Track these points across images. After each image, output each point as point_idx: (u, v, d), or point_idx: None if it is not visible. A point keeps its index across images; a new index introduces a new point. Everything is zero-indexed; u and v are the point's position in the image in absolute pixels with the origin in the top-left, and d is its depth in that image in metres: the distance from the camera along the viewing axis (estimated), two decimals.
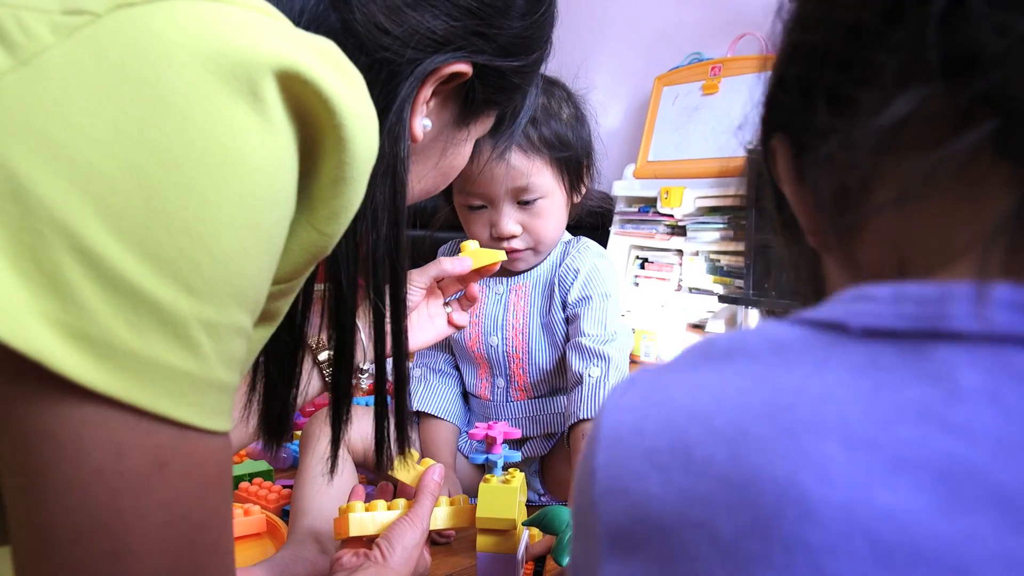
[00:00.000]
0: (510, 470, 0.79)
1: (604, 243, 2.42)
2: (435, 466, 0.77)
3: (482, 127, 0.59)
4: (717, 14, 2.64)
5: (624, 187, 2.52)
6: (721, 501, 0.20)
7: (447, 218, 1.06)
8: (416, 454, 0.78)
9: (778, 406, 0.21)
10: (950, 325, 0.20)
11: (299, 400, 0.55)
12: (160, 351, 0.30)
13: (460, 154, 0.59)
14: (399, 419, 0.59)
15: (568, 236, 1.09)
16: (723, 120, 2.41)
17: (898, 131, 0.24)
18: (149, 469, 0.31)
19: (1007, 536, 0.17)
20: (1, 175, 0.28)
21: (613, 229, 2.54)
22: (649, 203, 2.46)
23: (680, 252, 2.41)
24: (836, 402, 0.20)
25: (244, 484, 1.01)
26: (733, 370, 0.23)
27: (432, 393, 1.08)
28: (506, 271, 1.06)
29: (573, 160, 0.99)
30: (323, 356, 0.77)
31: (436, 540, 0.90)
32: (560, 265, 1.04)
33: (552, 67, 0.64)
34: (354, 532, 0.71)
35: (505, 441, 0.83)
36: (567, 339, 1.03)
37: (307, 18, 0.45)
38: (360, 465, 0.95)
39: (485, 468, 0.84)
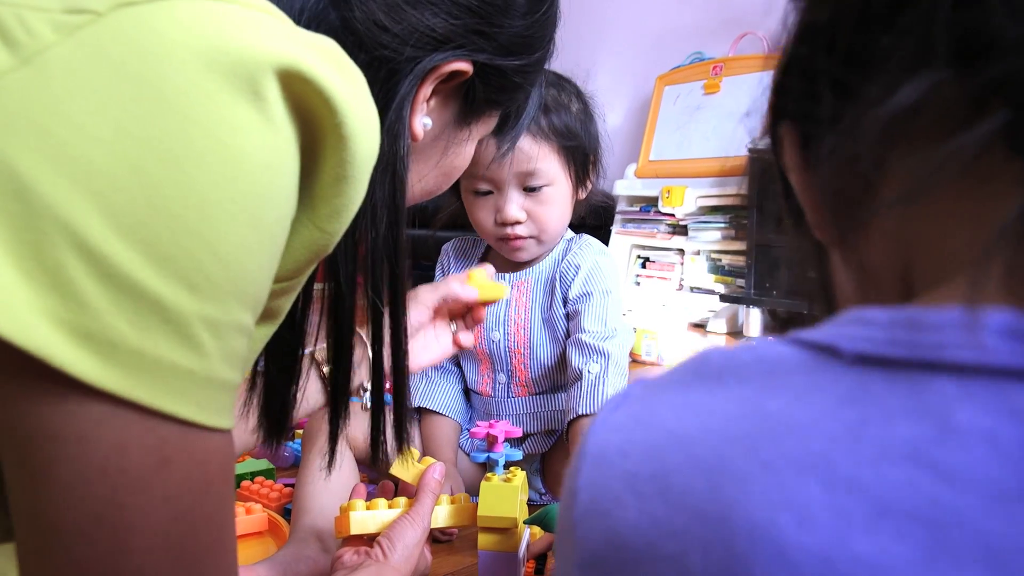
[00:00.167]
0: (511, 468, 0.79)
1: (605, 242, 2.42)
2: (436, 464, 0.77)
3: (484, 127, 0.59)
4: (718, 14, 2.63)
5: (625, 186, 2.52)
6: (695, 535, 0.19)
7: (449, 217, 1.07)
8: (417, 452, 0.78)
9: (760, 436, 0.20)
10: (946, 355, 0.19)
11: (299, 401, 0.55)
12: (163, 349, 0.30)
13: (462, 154, 0.59)
14: (397, 416, 0.59)
15: (571, 234, 1.09)
16: (725, 119, 2.41)
17: (905, 121, 0.22)
18: (152, 466, 0.31)
19: None
20: (4, 174, 0.29)
21: (614, 228, 2.54)
22: (650, 202, 2.46)
23: (681, 251, 2.41)
24: (820, 436, 0.19)
25: (246, 482, 1.01)
26: (722, 392, 0.22)
27: (434, 389, 1.08)
28: (509, 265, 1.07)
29: (580, 152, 1.00)
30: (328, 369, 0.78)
31: (439, 538, 0.90)
32: (562, 261, 1.05)
33: (553, 67, 0.64)
34: (355, 530, 0.71)
35: (506, 440, 0.84)
36: (568, 335, 1.03)
37: (307, 16, 0.45)
38: (362, 463, 0.95)
39: (486, 467, 0.84)
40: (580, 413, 0.92)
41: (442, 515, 0.76)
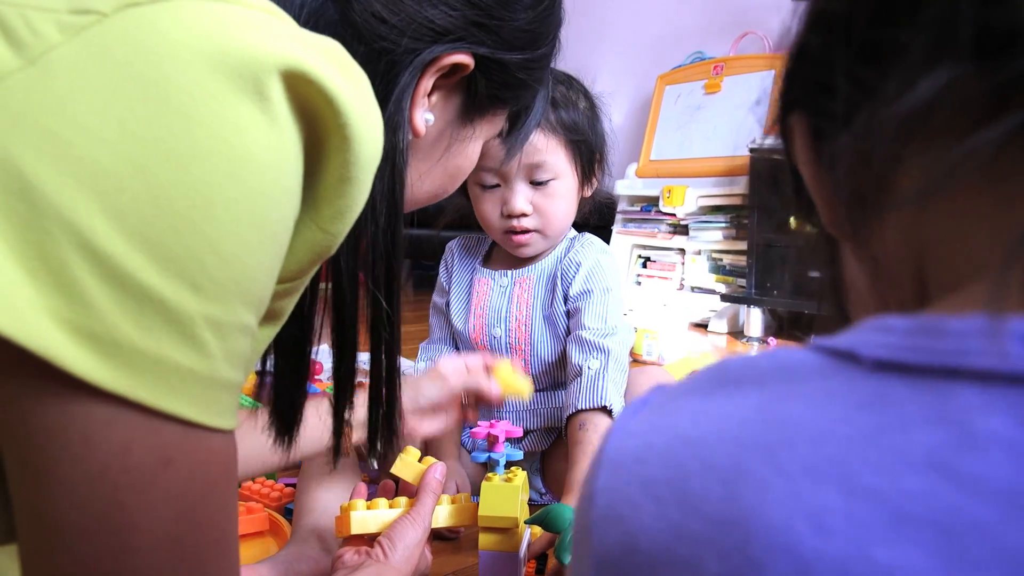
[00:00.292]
0: (512, 468, 0.79)
1: (606, 242, 2.43)
2: (437, 464, 0.77)
3: (489, 126, 0.59)
4: (719, 13, 2.64)
5: (626, 186, 2.53)
6: (711, 541, 0.19)
7: (453, 217, 1.07)
8: (418, 452, 0.78)
9: (778, 442, 0.20)
10: (968, 362, 0.19)
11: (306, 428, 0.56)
12: (166, 349, 0.30)
13: (466, 153, 0.58)
14: (389, 413, 0.59)
15: (573, 232, 1.09)
16: (725, 119, 2.41)
17: (922, 117, 0.22)
18: (155, 466, 0.31)
19: None
20: (9, 173, 0.29)
21: (615, 228, 2.54)
22: (651, 202, 2.46)
23: (682, 251, 2.41)
24: (838, 443, 0.19)
25: (247, 482, 1.01)
26: (740, 398, 0.22)
27: None
28: (512, 262, 1.07)
29: (587, 148, 1.01)
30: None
31: (445, 536, 0.90)
32: (564, 259, 1.05)
33: (555, 66, 0.64)
34: (356, 530, 0.71)
35: (507, 439, 0.84)
36: (568, 333, 1.03)
37: (307, 12, 0.45)
38: (363, 460, 0.96)
39: (487, 467, 0.84)
40: (579, 408, 0.93)
41: (443, 515, 0.76)
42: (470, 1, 0.49)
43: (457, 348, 1.13)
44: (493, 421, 0.84)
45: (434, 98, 0.52)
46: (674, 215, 2.38)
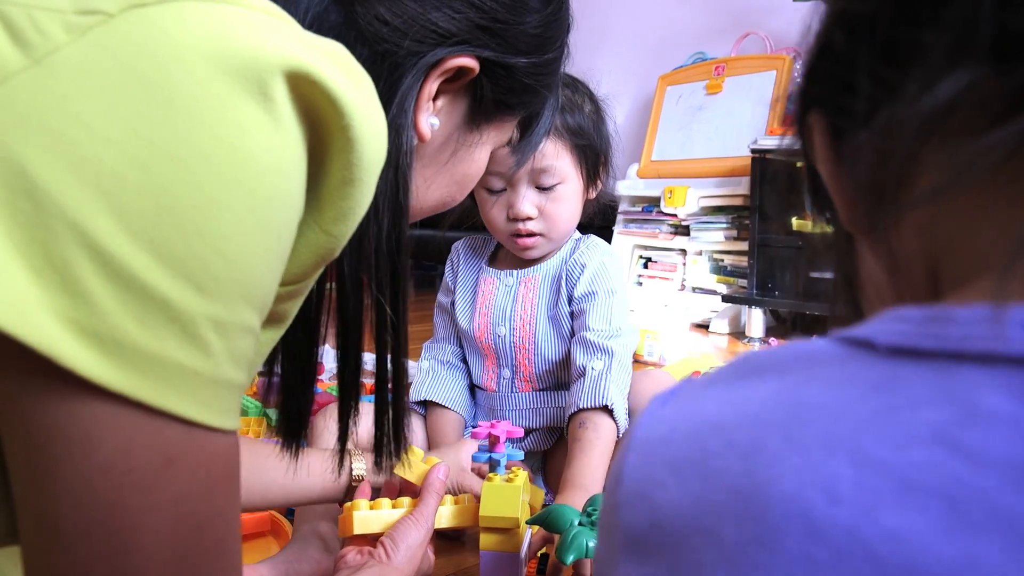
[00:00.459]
0: (513, 468, 0.79)
1: (608, 242, 2.43)
2: (440, 465, 0.77)
3: (497, 133, 0.58)
4: (721, 14, 2.63)
5: (628, 186, 2.52)
6: (730, 510, 0.20)
7: (457, 217, 1.07)
8: (421, 452, 0.78)
9: (795, 421, 0.21)
10: (972, 346, 0.20)
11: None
12: (169, 349, 0.30)
13: (473, 159, 0.58)
14: (396, 418, 0.59)
15: (578, 234, 1.10)
16: (727, 119, 2.41)
17: (941, 117, 0.23)
18: (157, 466, 0.31)
19: (1010, 560, 0.17)
20: (14, 172, 0.29)
21: (617, 228, 2.54)
22: (652, 203, 2.46)
23: (683, 252, 2.41)
24: (851, 420, 0.20)
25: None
26: (762, 385, 0.23)
27: (440, 384, 1.09)
28: (517, 262, 1.08)
29: (592, 151, 1.01)
30: (357, 467, 0.81)
31: (450, 535, 0.90)
32: (569, 260, 1.06)
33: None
34: (358, 530, 0.71)
35: (508, 439, 0.84)
36: (572, 333, 1.04)
37: (311, 16, 0.45)
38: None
39: (488, 467, 0.84)
40: (580, 407, 0.93)
41: (445, 515, 0.76)
42: (474, 4, 0.49)
43: (461, 347, 1.13)
44: (494, 421, 0.84)
45: (439, 102, 0.52)
46: (675, 215, 2.38)
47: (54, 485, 0.30)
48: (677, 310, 2.30)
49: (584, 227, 1.11)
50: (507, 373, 1.08)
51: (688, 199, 2.30)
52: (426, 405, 1.09)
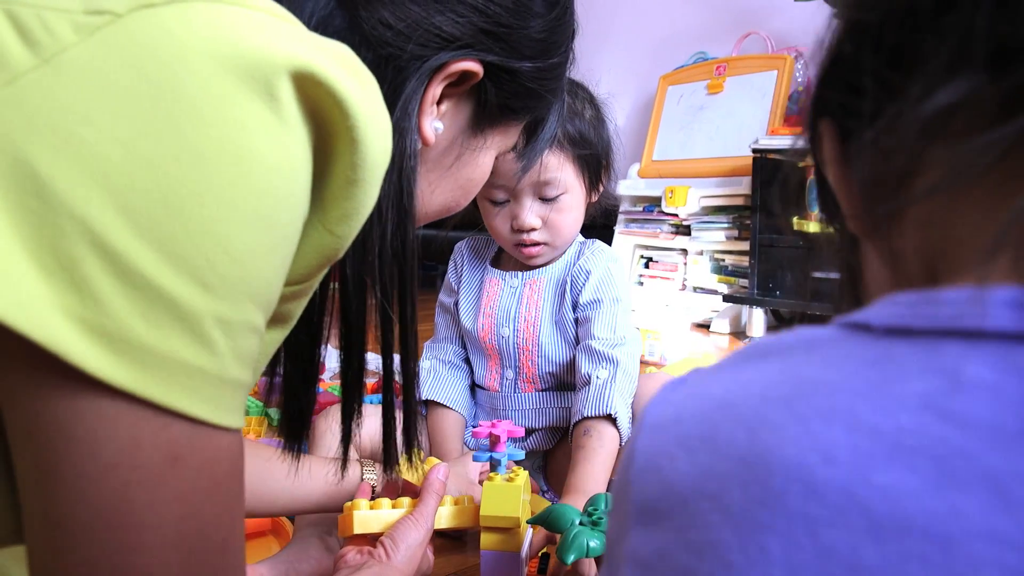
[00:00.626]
0: (514, 468, 0.79)
1: (609, 242, 2.42)
2: (440, 465, 0.77)
3: (502, 137, 0.58)
4: (722, 13, 2.63)
5: (629, 186, 2.52)
6: (735, 476, 0.22)
7: (460, 217, 1.08)
8: (421, 453, 0.78)
9: (796, 395, 0.23)
10: (959, 323, 0.22)
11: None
12: (175, 346, 0.30)
13: (477, 164, 0.58)
14: (407, 419, 0.59)
15: (582, 237, 1.10)
16: (728, 119, 2.41)
17: (942, 119, 0.24)
18: (162, 464, 0.31)
19: (992, 514, 0.19)
20: (23, 171, 0.29)
21: (618, 228, 2.54)
22: (654, 202, 2.46)
23: (685, 251, 2.41)
24: (847, 392, 0.22)
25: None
26: (766, 366, 0.25)
27: (441, 383, 1.09)
28: (522, 264, 1.08)
29: (594, 159, 1.02)
30: (369, 474, 0.82)
31: (450, 535, 0.90)
32: (574, 265, 1.06)
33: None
34: (358, 530, 0.71)
35: (509, 439, 0.84)
36: (577, 339, 1.04)
37: (316, 19, 0.46)
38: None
39: (489, 466, 0.84)
40: (585, 415, 0.93)
41: (445, 516, 0.76)
42: (478, 8, 0.49)
43: (463, 347, 1.14)
44: (495, 421, 0.84)
45: (444, 106, 0.52)
46: (676, 215, 2.38)
47: (59, 482, 0.30)
48: (678, 310, 2.30)
49: (585, 227, 1.11)
50: (510, 374, 1.08)
51: (689, 199, 2.30)
52: (427, 405, 1.09)
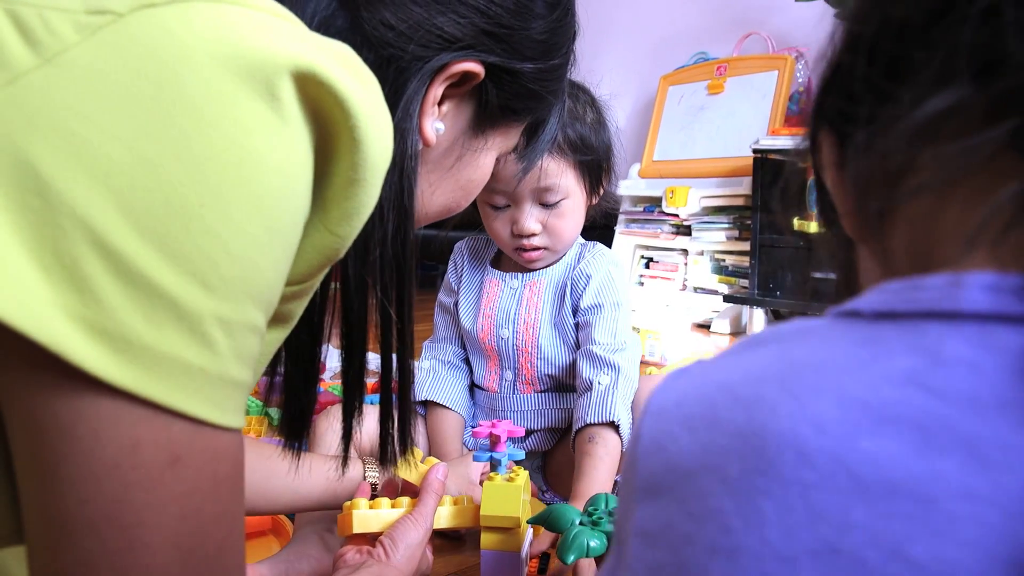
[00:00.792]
0: (514, 468, 0.79)
1: (609, 242, 2.42)
2: (439, 465, 0.77)
3: (503, 139, 0.58)
4: (723, 14, 2.63)
5: (629, 186, 2.52)
6: (734, 449, 0.24)
7: (460, 217, 1.08)
8: (421, 452, 0.79)
9: (789, 375, 0.25)
10: (940, 306, 0.24)
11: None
12: (176, 346, 0.30)
13: (478, 165, 0.58)
14: (402, 418, 0.59)
15: (582, 239, 1.10)
16: (728, 120, 2.41)
17: (933, 124, 0.26)
18: (163, 463, 0.31)
19: (969, 474, 0.21)
20: (24, 170, 0.29)
21: (618, 228, 2.54)
22: (654, 202, 2.46)
23: (685, 252, 2.41)
24: (837, 370, 0.24)
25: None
26: (763, 352, 0.27)
27: (441, 384, 1.09)
28: (522, 267, 1.08)
29: (594, 163, 1.02)
30: (370, 473, 0.82)
31: (450, 535, 0.90)
32: (574, 268, 1.06)
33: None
34: (358, 529, 0.71)
35: (509, 439, 0.84)
36: (577, 343, 1.04)
37: (318, 20, 0.46)
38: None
39: (489, 466, 0.84)
40: (588, 422, 0.93)
41: (445, 516, 0.76)
42: (480, 9, 0.49)
43: (463, 347, 1.14)
44: (495, 421, 0.85)
45: (445, 107, 0.52)
46: (677, 216, 2.38)
47: (60, 482, 0.30)
48: (678, 310, 2.30)
49: (585, 228, 1.11)
50: (509, 375, 1.08)
51: (690, 199, 2.30)
52: (426, 405, 1.09)
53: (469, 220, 1.05)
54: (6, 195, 0.29)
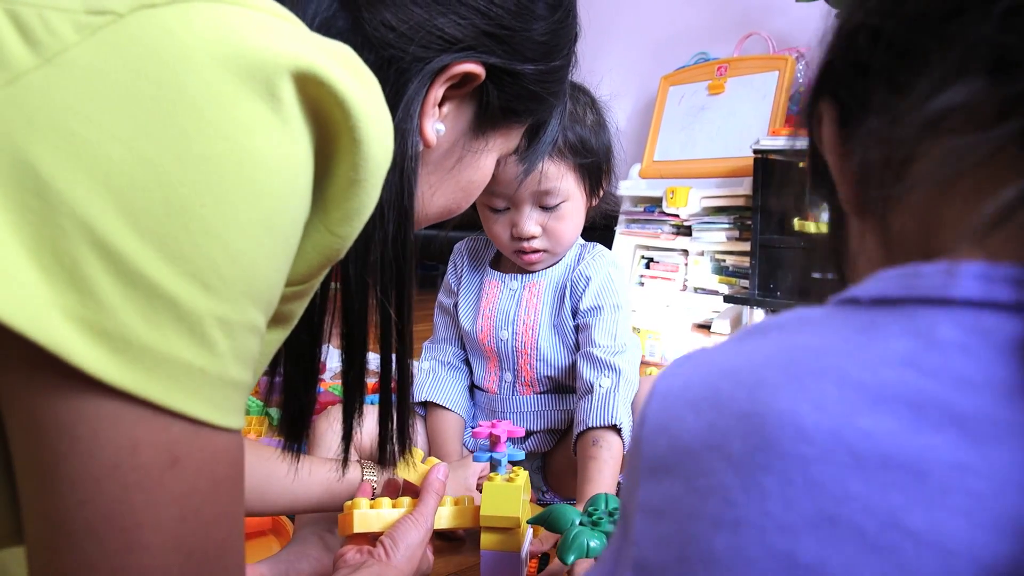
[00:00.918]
0: (514, 468, 0.79)
1: (609, 243, 2.42)
2: (439, 465, 0.77)
3: (504, 140, 0.58)
4: (723, 14, 2.63)
5: (630, 187, 2.52)
6: (736, 429, 0.25)
7: (460, 218, 1.08)
8: (421, 453, 0.79)
9: (790, 359, 0.26)
10: (935, 292, 0.25)
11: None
12: (176, 347, 0.30)
13: (479, 166, 0.58)
14: (401, 418, 0.59)
15: (582, 240, 1.10)
16: (729, 120, 2.41)
17: (944, 117, 0.27)
18: (163, 464, 0.31)
19: (960, 448, 0.22)
20: (24, 170, 0.29)
21: (618, 229, 2.54)
22: (655, 203, 2.45)
23: (685, 252, 2.41)
24: (836, 354, 0.25)
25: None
26: (765, 340, 0.28)
27: (440, 385, 1.09)
28: (522, 268, 1.08)
29: (594, 166, 1.01)
30: (368, 475, 0.82)
31: (450, 536, 0.90)
32: (574, 270, 1.06)
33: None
34: (358, 529, 0.71)
35: (508, 439, 0.84)
36: (576, 345, 1.04)
37: (319, 20, 0.46)
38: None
39: (489, 466, 0.84)
40: (590, 425, 0.93)
41: (445, 516, 0.76)
42: (480, 11, 0.49)
43: (462, 348, 1.13)
44: (495, 421, 0.85)
45: (445, 108, 0.52)
46: (677, 216, 2.38)
47: (59, 483, 0.30)
48: (679, 310, 2.30)
49: (585, 229, 1.11)
50: (509, 376, 1.08)
51: (690, 199, 2.30)
52: (426, 406, 1.09)
53: (469, 221, 1.05)
54: (6, 195, 0.29)
